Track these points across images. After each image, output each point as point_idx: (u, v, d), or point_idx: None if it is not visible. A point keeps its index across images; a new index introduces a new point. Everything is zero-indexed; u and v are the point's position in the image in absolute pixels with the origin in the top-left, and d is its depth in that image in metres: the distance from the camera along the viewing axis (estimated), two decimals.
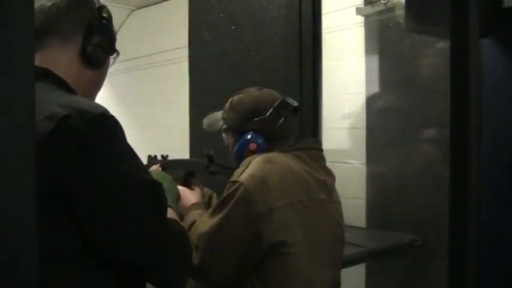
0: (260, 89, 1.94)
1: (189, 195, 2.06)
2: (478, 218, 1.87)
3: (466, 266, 1.85)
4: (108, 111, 1.28)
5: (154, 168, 2.23)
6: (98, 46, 1.44)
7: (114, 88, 6.09)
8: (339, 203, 1.95)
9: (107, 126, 1.25)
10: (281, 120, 1.85)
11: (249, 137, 1.86)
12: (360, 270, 3.50)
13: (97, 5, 1.47)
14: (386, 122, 3.57)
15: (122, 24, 5.84)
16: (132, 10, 5.74)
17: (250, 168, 1.70)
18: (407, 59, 3.38)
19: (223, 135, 1.98)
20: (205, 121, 2.06)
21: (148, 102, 5.54)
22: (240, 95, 1.95)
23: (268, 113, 1.84)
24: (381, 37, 3.60)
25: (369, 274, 3.57)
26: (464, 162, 1.85)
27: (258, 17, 2.54)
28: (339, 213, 1.94)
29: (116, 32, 1.56)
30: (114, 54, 1.55)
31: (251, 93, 1.94)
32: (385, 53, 3.59)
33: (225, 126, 1.95)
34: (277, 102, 1.86)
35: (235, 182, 1.69)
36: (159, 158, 2.27)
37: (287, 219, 1.69)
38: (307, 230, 1.73)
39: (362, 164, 3.67)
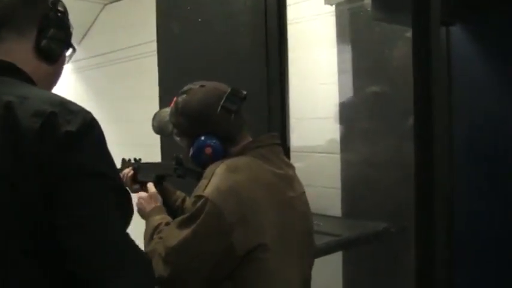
0: (203, 86, 1.85)
1: (149, 199, 2.05)
2: (444, 208, 1.88)
3: (433, 256, 1.87)
4: (87, 111, 1.29)
5: (127, 171, 2.22)
6: (54, 39, 1.43)
7: (88, 83, 6.06)
8: (303, 193, 1.93)
9: (92, 126, 1.27)
10: (232, 117, 1.78)
11: (202, 140, 1.79)
12: (336, 258, 3.53)
13: None
14: (359, 111, 3.59)
15: (95, 19, 5.79)
16: (105, 4, 5.69)
17: (215, 179, 1.65)
18: (378, 48, 3.39)
19: (177, 140, 1.91)
20: (154, 124, 2.00)
21: (123, 97, 5.50)
22: (185, 96, 1.85)
23: (217, 112, 1.77)
24: (352, 26, 3.60)
25: (345, 262, 3.59)
26: (428, 150, 1.86)
27: (224, 8, 2.53)
28: (305, 204, 1.92)
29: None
30: (70, 51, 1.53)
31: (196, 93, 1.84)
32: (356, 42, 3.59)
33: (176, 132, 1.89)
34: (224, 98, 1.78)
35: (200, 196, 1.63)
36: (132, 161, 2.27)
37: (260, 224, 1.66)
38: (278, 233, 1.71)
39: (336, 154, 3.67)
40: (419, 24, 1.84)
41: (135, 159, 2.25)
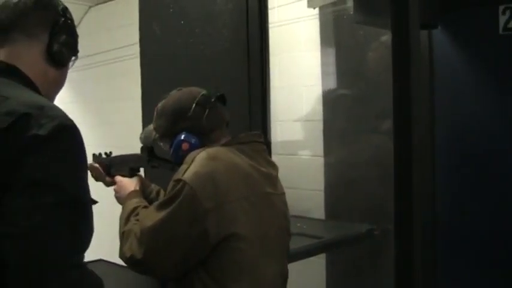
0: (180, 89, 1.95)
1: (127, 184, 2.10)
2: (421, 208, 1.89)
3: (411, 256, 1.87)
4: (69, 119, 1.28)
5: (94, 166, 2.23)
6: (64, 45, 1.47)
7: (73, 85, 6.01)
8: (283, 194, 1.98)
9: (66, 133, 1.25)
10: (206, 113, 1.84)
11: (180, 137, 1.86)
12: (319, 261, 3.53)
13: (62, 6, 1.50)
14: (342, 113, 3.60)
15: (81, 20, 5.77)
16: (91, 6, 5.68)
17: (195, 165, 1.70)
18: (362, 50, 3.40)
19: (161, 145, 1.98)
20: (141, 136, 2.08)
21: (109, 99, 5.48)
22: (163, 101, 1.96)
23: (191, 110, 1.85)
24: (335, 29, 3.62)
25: (328, 264, 3.59)
26: (407, 152, 1.87)
27: (206, 10, 2.53)
28: (284, 204, 1.97)
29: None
30: (74, 57, 1.56)
31: (172, 96, 1.94)
32: (339, 44, 3.61)
33: (157, 136, 1.96)
34: (199, 97, 1.87)
35: (179, 180, 1.69)
36: (103, 156, 2.27)
37: (235, 213, 1.70)
38: (254, 225, 1.75)
39: (319, 156, 3.68)
40: (398, 27, 1.85)
41: (106, 153, 2.25)
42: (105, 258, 2.75)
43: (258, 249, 1.75)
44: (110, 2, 5.42)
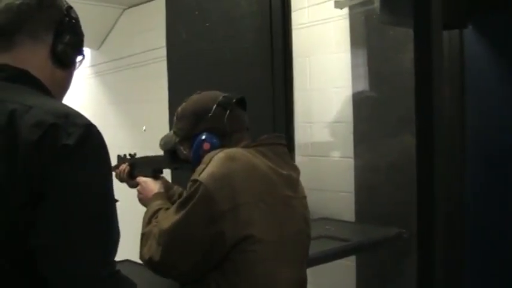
0: (200, 93, 1.94)
1: (151, 186, 2.10)
2: (443, 212, 1.85)
3: (433, 260, 1.84)
4: (93, 125, 1.28)
5: (123, 167, 2.25)
6: (69, 45, 1.44)
7: (108, 87, 6.11)
8: (305, 197, 1.93)
9: (92, 141, 1.26)
10: (227, 114, 1.83)
11: (201, 137, 1.84)
12: (350, 264, 3.51)
13: (66, 5, 1.47)
14: (372, 114, 3.56)
15: (115, 23, 5.84)
16: (124, 9, 5.73)
17: (212, 165, 1.68)
18: (391, 51, 3.36)
19: (181, 148, 1.96)
20: (161, 142, 2.06)
21: (141, 101, 5.53)
22: (183, 104, 1.94)
23: (212, 110, 1.83)
24: (365, 30, 3.58)
25: (359, 267, 3.56)
26: (429, 154, 1.84)
27: (230, 13, 2.53)
28: (305, 208, 1.92)
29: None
30: (81, 57, 1.54)
31: (192, 99, 1.93)
32: (369, 46, 3.56)
33: (177, 139, 1.94)
34: (220, 98, 1.85)
35: (195, 181, 1.67)
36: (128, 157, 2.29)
37: (252, 215, 1.67)
38: (271, 228, 1.72)
39: (349, 158, 3.65)
40: (419, 26, 1.82)
41: (130, 154, 2.27)
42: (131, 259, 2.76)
43: (274, 253, 1.73)
44: (142, 5, 5.46)
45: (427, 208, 1.82)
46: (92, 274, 1.21)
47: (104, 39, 6.00)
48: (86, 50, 5.87)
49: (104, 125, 4.99)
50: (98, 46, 6.04)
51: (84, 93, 6.38)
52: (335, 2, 3.40)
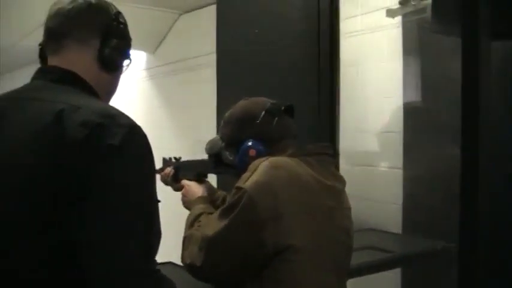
0: (247, 99, 1.92)
1: (195, 189, 2.10)
2: (486, 223, 1.80)
3: (474, 275, 1.80)
4: (137, 125, 1.31)
5: (168, 170, 2.27)
6: (115, 49, 1.48)
7: (162, 91, 6.19)
8: (349, 209, 1.89)
9: (136, 141, 1.29)
10: (275, 121, 1.81)
11: (247, 143, 1.82)
12: (395, 276, 3.45)
13: (115, 11, 1.51)
14: (423, 125, 3.50)
15: (171, 28, 5.93)
16: (180, 14, 5.81)
17: (257, 173, 1.67)
18: (444, 61, 3.30)
19: (226, 154, 1.94)
20: (207, 147, 2.05)
21: (192, 105, 5.58)
22: (230, 110, 1.93)
23: (260, 117, 1.81)
24: (417, 38, 3.53)
25: (404, 280, 3.50)
26: (474, 165, 1.80)
27: (279, 18, 2.53)
28: (348, 219, 1.88)
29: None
30: (128, 61, 1.57)
31: (239, 104, 1.92)
32: (421, 55, 3.51)
33: (223, 144, 1.93)
34: (268, 104, 1.83)
35: (240, 188, 1.65)
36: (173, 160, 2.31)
37: (293, 225, 1.65)
38: (312, 238, 1.69)
39: (398, 168, 3.60)
40: (466, 35, 1.78)
41: (175, 157, 2.28)
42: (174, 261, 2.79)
43: (314, 263, 1.69)
44: (197, 10, 5.52)
45: (470, 223, 1.77)
46: (133, 271, 1.23)
47: (160, 43, 6.10)
48: (141, 54, 6.02)
49: (155, 127, 5.11)
50: (153, 50, 6.14)
51: (137, 96, 6.52)
52: (387, 10, 3.36)
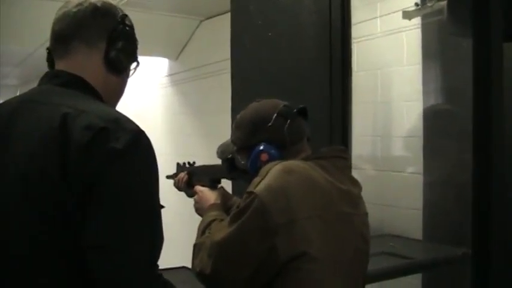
0: (259, 101, 1.87)
1: (208, 196, 2.07)
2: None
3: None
4: (141, 130, 1.31)
5: (181, 175, 2.25)
6: (122, 51, 1.49)
7: (183, 97, 6.22)
8: (366, 214, 1.83)
9: (139, 146, 1.30)
10: (287, 124, 1.75)
11: (259, 147, 1.77)
12: (415, 282, 3.40)
13: (121, 14, 1.52)
14: (444, 129, 3.44)
15: (192, 34, 5.95)
16: (202, 21, 5.83)
17: (268, 177, 1.62)
18: (464, 64, 3.23)
19: (238, 158, 1.89)
20: (218, 150, 2.02)
21: (214, 110, 5.59)
22: (241, 112, 1.88)
23: (272, 120, 1.76)
24: (437, 41, 3.47)
25: (425, 286, 3.44)
26: (485, 170, 1.76)
27: (292, 22, 2.50)
28: (364, 225, 1.81)
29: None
30: (135, 64, 1.58)
31: (251, 107, 1.87)
32: (441, 58, 3.45)
33: (235, 148, 1.88)
34: (280, 107, 1.77)
35: (251, 193, 1.61)
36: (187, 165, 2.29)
37: (308, 231, 1.60)
38: (327, 245, 1.63)
39: (419, 174, 3.54)
40: (478, 38, 1.75)
41: (189, 163, 2.27)
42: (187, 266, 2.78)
43: (329, 271, 1.63)
44: (219, 16, 5.54)
45: (483, 229, 1.73)
46: (142, 275, 1.25)
47: (182, 50, 6.13)
48: (164, 60, 6.04)
49: (177, 133, 5.11)
50: (176, 56, 6.17)
51: (160, 102, 6.56)
52: (403, 12, 3.30)
